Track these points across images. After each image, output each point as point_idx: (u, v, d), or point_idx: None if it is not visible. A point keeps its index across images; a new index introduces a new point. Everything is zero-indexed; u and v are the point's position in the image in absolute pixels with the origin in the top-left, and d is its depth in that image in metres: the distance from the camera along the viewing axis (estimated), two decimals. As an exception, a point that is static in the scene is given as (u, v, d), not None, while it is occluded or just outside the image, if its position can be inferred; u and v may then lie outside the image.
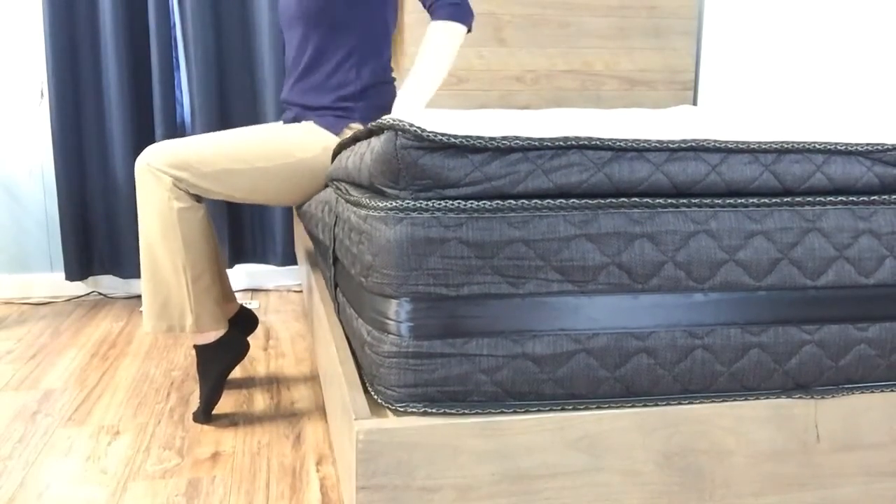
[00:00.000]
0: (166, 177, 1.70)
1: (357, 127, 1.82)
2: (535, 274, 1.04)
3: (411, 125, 1.01)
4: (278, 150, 1.75)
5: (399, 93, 1.77)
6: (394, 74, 2.66)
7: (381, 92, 1.87)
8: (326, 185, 1.78)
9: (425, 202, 1.03)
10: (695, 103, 2.95)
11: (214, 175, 1.71)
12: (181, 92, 2.87)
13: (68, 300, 2.92)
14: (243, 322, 2.13)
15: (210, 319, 1.78)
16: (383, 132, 1.06)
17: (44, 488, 1.55)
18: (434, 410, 1.05)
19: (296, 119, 1.89)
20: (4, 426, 1.83)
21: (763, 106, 2.49)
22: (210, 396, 1.84)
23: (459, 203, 1.03)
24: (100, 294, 2.98)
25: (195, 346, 1.85)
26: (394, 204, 1.03)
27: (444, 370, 1.04)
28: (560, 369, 1.06)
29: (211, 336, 1.82)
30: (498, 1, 2.72)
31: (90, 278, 2.96)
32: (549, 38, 2.76)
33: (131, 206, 2.83)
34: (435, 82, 1.77)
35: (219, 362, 1.83)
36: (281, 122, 1.97)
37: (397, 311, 1.04)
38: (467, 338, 1.04)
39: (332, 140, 1.79)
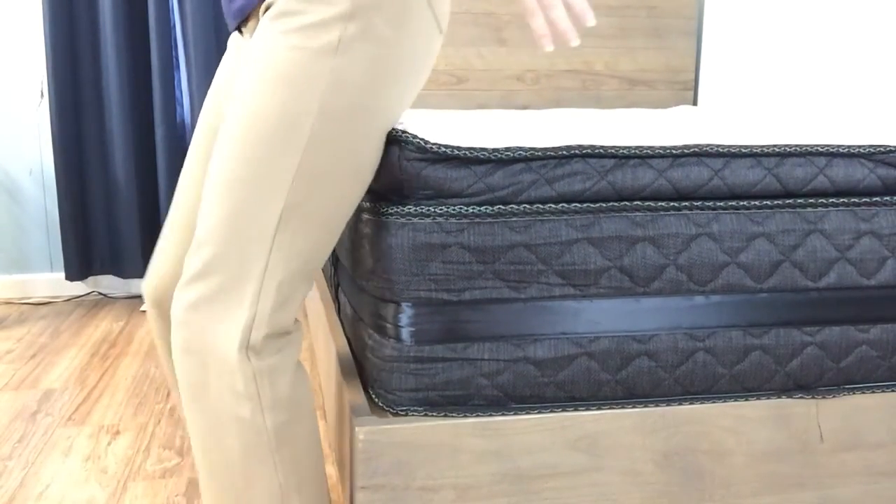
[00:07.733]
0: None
1: None
2: (536, 278, 1.04)
3: (414, 137, 1.01)
4: (279, 88, 0.90)
5: None
6: None
7: None
8: None
9: (427, 208, 1.03)
10: (695, 103, 2.94)
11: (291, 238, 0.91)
12: (181, 92, 2.87)
13: (68, 300, 2.92)
14: None
15: None
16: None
17: (44, 488, 1.55)
18: (435, 414, 1.05)
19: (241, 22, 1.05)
20: (4, 426, 1.83)
21: (763, 106, 2.49)
22: None
23: (461, 208, 1.03)
24: (100, 294, 2.98)
25: None
26: (395, 209, 1.03)
27: (445, 374, 1.04)
28: (561, 373, 1.06)
29: None
30: (498, 1, 2.72)
31: (90, 278, 2.95)
32: (549, 38, 2.75)
33: (131, 206, 2.82)
34: None
35: None
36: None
37: (399, 315, 1.03)
38: (468, 342, 1.04)
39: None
